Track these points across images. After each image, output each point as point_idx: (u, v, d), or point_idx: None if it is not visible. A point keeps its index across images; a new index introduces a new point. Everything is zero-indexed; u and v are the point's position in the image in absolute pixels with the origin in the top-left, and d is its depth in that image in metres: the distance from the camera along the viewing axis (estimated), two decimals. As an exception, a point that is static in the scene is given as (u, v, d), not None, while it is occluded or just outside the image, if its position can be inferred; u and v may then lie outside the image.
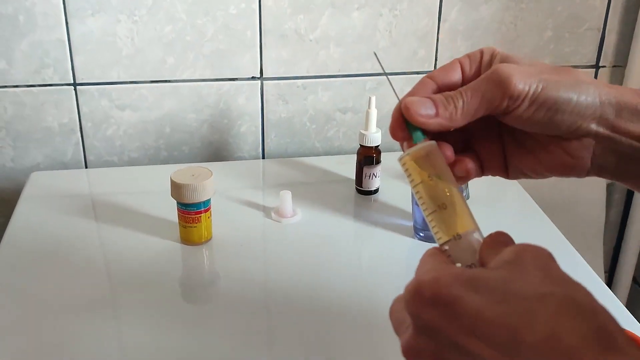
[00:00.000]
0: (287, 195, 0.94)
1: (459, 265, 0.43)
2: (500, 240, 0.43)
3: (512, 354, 0.34)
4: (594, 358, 0.32)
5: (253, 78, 1.13)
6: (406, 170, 0.48)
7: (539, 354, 0.33)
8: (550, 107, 0.45)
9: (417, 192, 0.46)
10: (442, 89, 0.48)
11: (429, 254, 0.44)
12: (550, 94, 0.44)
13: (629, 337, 0.34)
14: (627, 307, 0.79)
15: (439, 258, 0.43)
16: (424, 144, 0.47)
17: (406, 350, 0.39)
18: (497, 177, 1.12)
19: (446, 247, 0.44)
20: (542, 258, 0.39)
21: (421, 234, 0.91)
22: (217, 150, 1.17)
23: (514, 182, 1.07)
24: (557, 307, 0.34)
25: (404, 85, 1.17)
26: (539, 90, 0.44)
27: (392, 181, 1.04)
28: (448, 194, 0.45)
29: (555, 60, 1.20)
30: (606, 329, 0.34)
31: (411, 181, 0.47)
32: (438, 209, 0.45)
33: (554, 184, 1.25)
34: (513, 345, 0.34)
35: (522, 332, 0.34)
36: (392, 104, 1.17)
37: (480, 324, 0.35)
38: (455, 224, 0.44)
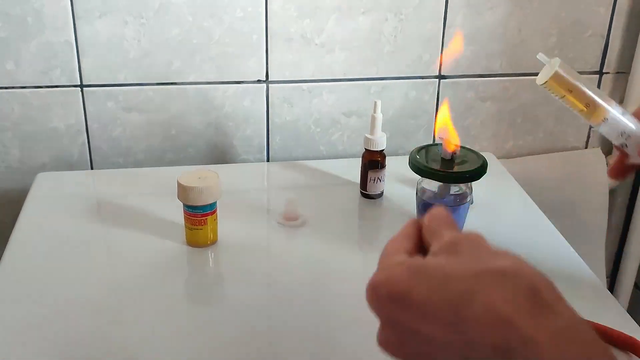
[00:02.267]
0: (292, 198, 0.95)
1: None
2: (439, 217, 0.48)
3: (459, 331, 0.39)
4: (527, 323, 0.37)
5: (259, 81, 1.14)
6: (550, 89, 0.66)
7: (481, 327, 0.38)
8: None
9: (566, 103, 0.66)
10: None
11: (393, 243, 0.49)
12: None
13: (558, 293, 0.40)
14: (628, 312, 0.79)
15: (397, 246, 0.48)
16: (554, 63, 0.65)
17: (380, 342, 0.46)
18: (500, 182, 1.13)
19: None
20: (475, 241, 0.44)
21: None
22: (222, 152, 1.18)
23: (517, 186, 1.08)
24: (490, 282, 0.39)
25: (409, 90, 1.18)
26: None
27: (397, 185, 1.05)
28: (586, 97, 0.64)
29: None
30: (536, 292, 0.39)
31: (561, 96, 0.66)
32: (586, 108, 0.64)
33: (556, 188, 1.26)
34: (459, 323, 0.39)
35: (464, 311, 0.38)
36: (396, 107, 1.18)
37: (429, 309, 0.40)
38: (599, 114, 0.64)
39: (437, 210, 0.49)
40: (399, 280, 0.42)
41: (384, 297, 0.42)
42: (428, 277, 0.41)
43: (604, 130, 0.65)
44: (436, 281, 0.41)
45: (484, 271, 0.40)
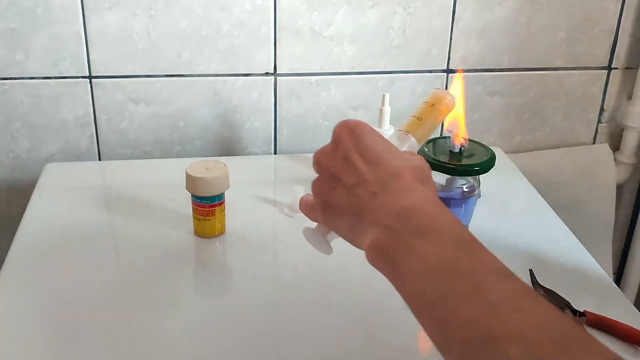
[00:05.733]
0: (300, 190, 0.95)
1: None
2: None
3: (373, 169, 0.54)
4: (410, 182, 0.53)
5: (267, 74, 1.14)
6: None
7: (384, 173, 0.54)
8: None
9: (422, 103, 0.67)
10: None
11: None
12: None
13: (435, 186, 0.56)
14: (635, 306, 0.79)
15: None
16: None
17: (316, 153, 0.59)
18: (508, 177, 1.13)
19: (401, 130, 0.66)
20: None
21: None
22: (229, 145, 1.18)
23: (525, 180, 1.08)
24: (410, 164, 0.55)
25: (417, 84, 1.18)
26: None
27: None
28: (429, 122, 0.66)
29: (567, 61, 1.20)
30: (425, 180, 0.55)
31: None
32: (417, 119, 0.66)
33: (564, 184, 1.25)
34: (376, 166, 0.54)
35: (385, 162, 0.54)
36: (405, 101, 1.18)
37: (367, 151, 0.55)
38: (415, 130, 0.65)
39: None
40: (366, 126, 0.57)
41: (348, 125, 0.56)
42: (381, 138, 0.57)
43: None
44: (385, 145, 0.56)
45: (414, 160, 0.56)
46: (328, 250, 0.63)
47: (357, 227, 0.55)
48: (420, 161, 0.57)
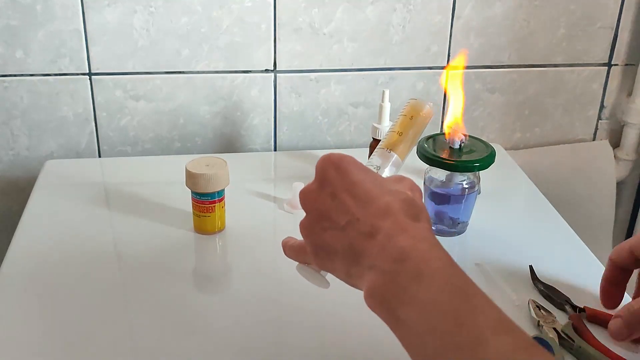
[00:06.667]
0: (299, 186, 0.95)
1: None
2: None
3: (363, 207, 0.52)
4: (403, 220, 0.51)
5: (266, 71, 1.14)
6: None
7: (375, 211, 0.52)
8: None
9: (399, 117, 0.66)
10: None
11: None
12: None
13: (429, 218, 0.53)
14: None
15: None
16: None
17: (302, 192, 0.56)
18: (507, 174, 1.13)
19: (383, 148, 0.65)
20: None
21: (432, 228, 0.91)
22: (229, 142, 1.18)
23: (525, 177, 1.08)
24: (400, 197, 0.53)
25: (417, 81, 1.18)
26: None
27: (404, 175, 1.04)
28: (410, 136, 0.66)
29: (567, 58, 1.20)
30: (418, 215, 0.52)
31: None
32: (397, 134, 0.65)
33: (563, 180, 1.25)
34: (366, 203, 0.52)
35: (375, 198, 0.52)
36: (405, 98, 1.18)
37: (355, 187, 0.53)
38: (396, 146, 0.65)
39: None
40: (351, 160, 0.55)
41: (332, 160, 0.54)
42: (369, 173, 0.55)
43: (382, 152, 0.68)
44: (372, 177, 0.55)
45: (404, 192, 0.55)
46: (325, 284, 0.61)
47: (353, 269, 0.53)
48: (411, 190, 0.55)
